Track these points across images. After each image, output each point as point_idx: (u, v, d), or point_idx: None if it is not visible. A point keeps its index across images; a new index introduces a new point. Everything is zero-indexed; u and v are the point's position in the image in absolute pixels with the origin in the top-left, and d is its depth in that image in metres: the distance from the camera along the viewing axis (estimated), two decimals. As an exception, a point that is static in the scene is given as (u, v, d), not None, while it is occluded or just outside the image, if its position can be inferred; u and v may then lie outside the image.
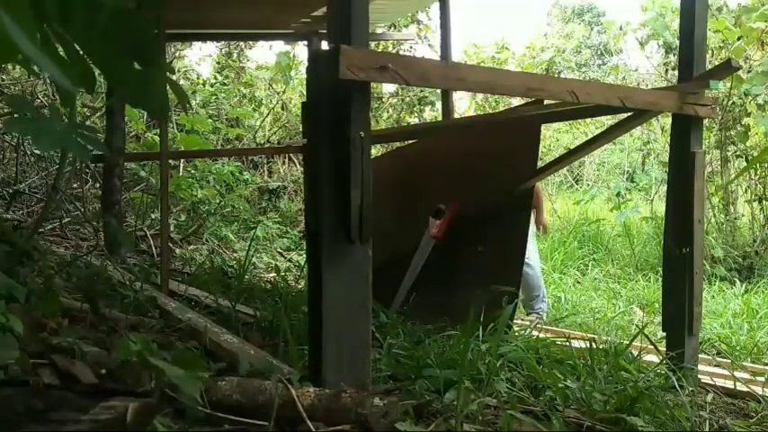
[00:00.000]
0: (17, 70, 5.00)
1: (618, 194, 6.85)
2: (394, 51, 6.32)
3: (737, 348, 3.41)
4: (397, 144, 4.62)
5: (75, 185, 5.12)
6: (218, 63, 7.87)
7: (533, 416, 1.60)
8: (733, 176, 5.98)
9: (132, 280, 2.61)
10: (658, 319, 3.30)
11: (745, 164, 6.10)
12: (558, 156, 5.27)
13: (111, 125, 3.84)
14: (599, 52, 16.81)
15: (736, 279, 5.23)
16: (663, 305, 2.62)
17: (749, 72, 5.57)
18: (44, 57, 0.64)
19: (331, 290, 1.61)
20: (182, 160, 6.07)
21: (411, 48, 7.70)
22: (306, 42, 4.79)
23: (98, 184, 4.98)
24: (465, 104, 8.73)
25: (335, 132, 1.62)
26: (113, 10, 0.96)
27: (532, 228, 4.45)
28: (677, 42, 2.74)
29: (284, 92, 7.90)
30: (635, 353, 2.45)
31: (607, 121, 6.89)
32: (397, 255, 3.05)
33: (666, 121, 6.03)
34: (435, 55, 6.56)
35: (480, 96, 7.98)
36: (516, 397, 1.73)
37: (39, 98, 4.96)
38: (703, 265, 3.59)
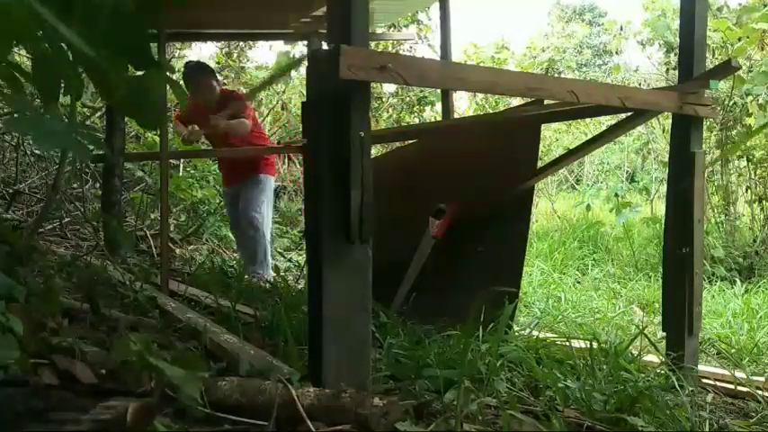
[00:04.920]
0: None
1: (616, 195, 6.86)
2: (394, 51, 6.32)
3: (737, 348, 3.40)
4: (397, 144, 4.62)
5: (75, 185, 5.12)
6: (218, 63, 7.86)
7: (533, 416, 1.60)
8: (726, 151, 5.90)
9: (132, 280, 2.61)
10: (658, 319, 3.29)
11: (745, 164, 6.10)
12: (558, 156, 5.27)
13: (111, 125, 3.84)
14: (599, 52, 16.82)
15: (737, 279, 5.23)
16: (663, 305, 2.62)
17: (750, 72, 5.57)
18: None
19: (331, 290, 1.61)
20: (181, 160, 6.07)
21: (411, 48, 7.70)
22: (306, 42, 4.78)
23: (98, 184, 4.98)
24: (465, 104, 8.72)
25: (335, 132, 1.62)
26: (113, 10, 0.96)
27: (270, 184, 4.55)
28: (678, 42, 2.74)
29: (284, 92, 7.90)
30: (635, 353, 2.45)
31: (607, 121, 6.89)
32: (397, 255, 3.05)
33: (666, 121, 6.04)
34: (435, 55, 6.56)
35: (480, 96, 7.98)
36: (516, 397, 1.72)
37: (39, 98, 4.95)
38: (703, 265, 3.59)
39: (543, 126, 3.92)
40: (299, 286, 3.73)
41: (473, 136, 3.22)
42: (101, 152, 3.52)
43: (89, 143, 1.27)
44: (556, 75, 8.30)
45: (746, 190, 6.13)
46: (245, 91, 4.83)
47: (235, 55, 8.00)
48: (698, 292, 2.49)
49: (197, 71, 4.25)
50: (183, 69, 4.41)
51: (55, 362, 1.35)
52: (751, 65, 5.78)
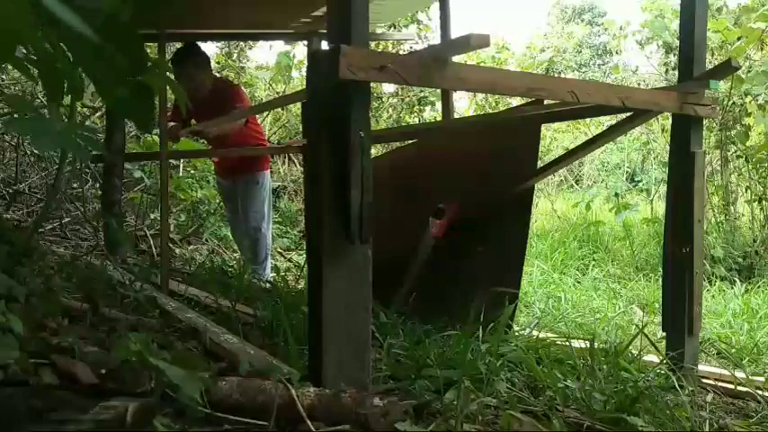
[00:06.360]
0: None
1: (616, 195, 6.86)
2: (394, 51, 6.32)
3: (737, 348, 3.40)
4: (397, 144, 4.62)
5: (75, 185, 5.13)
6: (218, 63, 7.86)
7: (533, 416, 1.60)
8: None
9: (132, 280, 2.61)
10: (658, 319, 3.30)
11: (745, 164, 6.10)
12: (558, 156, 5.27)
13: (111, 125, 3.84)
14: (599, 52, 16.84)
15: (736, 279, 5.23)
16: (663, 305, 2.62)
17: (749, 72, 5.57)
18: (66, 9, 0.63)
19: (331, 290, 1.61)
20: (181, 160, 6.07)
21: (411, 48, 7.70)
22: (306, 42, 4.78)
23: (98, 184, 4.99)
24: (465, 104, 8.74)
25: (335, 132, 1.62)
26: (108, 16, 0.96)
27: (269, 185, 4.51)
28: (677, 43, 2.74)
29: (284, 92, 7.90)
30: (635, 353, 2.45)
31: (607, 121, 6.89)
32: (397, 255, 3.05)
33: (666, 121, 6.04)
34: (435, 55, 6.54)
35: (480, 96, 7.98)
36: (516, 397, 1.73)
37: (39, 98, 4.96)
38: (703, 265, 3.59)
39: (543, 126, 3.92)
40: (299, 286, 3.73)
41: (473, 136, 3.22)
42: (101, 152, 3.52)
43: (87, 144, 1.28)
44: (556, 75, 8.30)
45: (746, 190, 6.14)
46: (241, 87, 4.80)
47: (235, 55, 8.00)
48: (698, 292, 2.49)
49: (182, 60, 4.05)
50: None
51: (55, 362, 1.35)
52: (750, 65, 5.79)
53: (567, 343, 2.30)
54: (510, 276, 2.80)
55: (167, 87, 2.44)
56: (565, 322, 3.86)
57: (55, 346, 1.45)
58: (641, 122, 3.25)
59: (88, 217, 4.70)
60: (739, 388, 2.48)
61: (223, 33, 4.92)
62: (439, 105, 6.36)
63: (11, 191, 4.69)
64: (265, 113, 7.87)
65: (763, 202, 5.95)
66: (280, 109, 7.99)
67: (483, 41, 1.68)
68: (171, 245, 4.83)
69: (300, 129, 6.80)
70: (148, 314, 2.26)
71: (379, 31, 5.05)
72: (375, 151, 4.98)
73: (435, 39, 7.09)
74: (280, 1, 3.66)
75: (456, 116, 5.11)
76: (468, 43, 1.69)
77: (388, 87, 7.98)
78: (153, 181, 5.37)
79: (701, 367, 2.66)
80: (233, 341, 1.84)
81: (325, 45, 2.74)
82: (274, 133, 7.93)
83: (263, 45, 10.70)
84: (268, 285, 3.47)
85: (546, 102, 2.64)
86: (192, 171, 6.15)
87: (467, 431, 1.42)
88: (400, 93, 7.97)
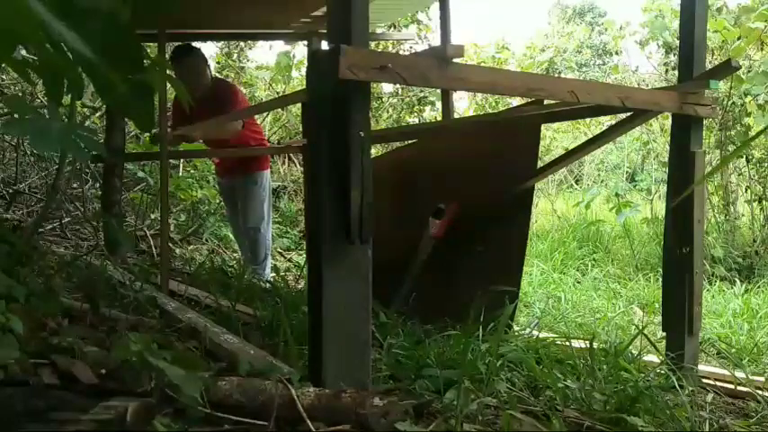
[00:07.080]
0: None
1: (617, 195, 6.86)
2: (394, 51, 6.31)
3: (737, 348, 3.40)
4: (397, 144, 4.62)
5: (75, 185, 5.13)
6: (218, 63, 7.86)
7: (533, 416, 1.60)
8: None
9: (132, 280, 2.61)
10: (658, 319, 3.29)
11: (745, 164, 6.10)
12: (558, 156, 5.27)
13: (111, 125, 3.84)
14: (599, 52, 16.83)
15: (736, 279, 5.23)
16: (663, 305, 2.62)
17: (749, 72, 5.57)
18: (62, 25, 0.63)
19: (331, 290, 1.61)
20: (181, 160, 6.07)
21: (411, 48, 7.69)
22: (306, 42, 4.78)
23: (98, 184, 4.99)
24: (465, 104, 8.73)
25: (335, 132, 1.62)
26: (106, 15, 0.95)
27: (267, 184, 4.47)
28: (677, 43, 2.74)
29: (284, 92, 7.90)
30: (635, 353, 2.45)
31: (607, 121, 6.89)
32: (397, 255, 3.05)
33: (666, 121, 6.03)
34: (435, 55, 6.52)
35: (480, 96, 7.98)
36: (516, 397, 1.73)
37: (38, 98, 4.96)
38: (703, 265, 3.58)
39: (543, 126, 3.92)
40: (299, 286, 3.73)
41: (473, 136, 3.22)
42: (100, 152, 3.52)
43: (87, 144, 1.28)
44: (556, 75, 8.30)
45: (746, 190, 6.14)
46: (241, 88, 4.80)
47: (235, 55, 7.99)
48: (698, 292, 2.49)
49: (182, 54, 4.02)
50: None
51: (55, 362, 1.35)
52: (750, 65, 5.78)
53: (567, 343, 2.30)
54: (510, 276, 2.80)
55: (167, 86, 2.45)
56: (565, 322, 3.86)
57: (55, 346, 1.45)
58: (641, 122, 3.26)
59: (88, 217, 4.70)
60: (739, 388, 2.48)
61: (223, 33, 4.91)
62: (439, 105, 6.36)
63: (11, 191, 4.69)
64: (265, 113, 7.87)
65: (763, 202, 5.95)
66: (280, 109, 7.99)
67: (458, 52, 1.77)
68: (171, 245, 4.83)
69: (300, 129, 6.81)
70: (148, 314, 2.26)
71: (379, 31, 5.05)
72: (375, 151, 4.98)
73: (435, 39, 7.09)
74: (280, 1, 3.66)
75: (456, 116, 5.11)
76: (444, 53, 1.77)
77: (388, 87, 7.97)
78: (155, 180, 5.37)
79: (701, 367, 2.66)
80: (233, 341, 1.84)
81: (325, 45, 2.75)
82: (274, 133, 7.92)
83: (263, 45, 10.70)
84: (268, 285, 3.47)
85: (546, 102, 2.64)
86: (192, 171, 6.14)
87: (467, 431, 1.42)
88: (400, 93, 7.96)
